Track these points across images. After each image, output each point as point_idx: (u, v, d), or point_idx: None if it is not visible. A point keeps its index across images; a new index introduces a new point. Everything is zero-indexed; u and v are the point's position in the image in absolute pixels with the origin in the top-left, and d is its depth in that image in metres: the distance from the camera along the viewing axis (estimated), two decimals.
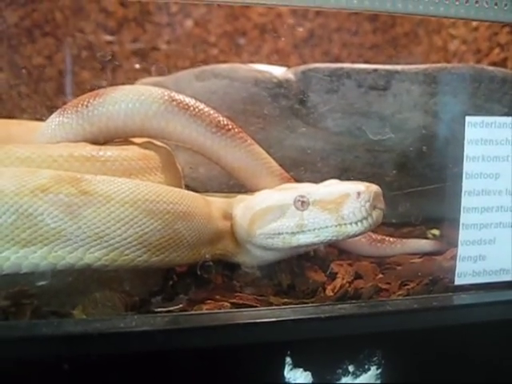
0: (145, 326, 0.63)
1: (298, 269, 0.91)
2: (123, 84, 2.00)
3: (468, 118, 0.75)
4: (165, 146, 0.99)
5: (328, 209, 0.78)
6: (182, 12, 2.31)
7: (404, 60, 2.44)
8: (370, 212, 0.76)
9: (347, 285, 0.86)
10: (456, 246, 0.98)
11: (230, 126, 0.95)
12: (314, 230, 0.79)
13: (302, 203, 0.80)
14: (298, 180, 0.99)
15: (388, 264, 0.94)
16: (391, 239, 1.00)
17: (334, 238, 0.79)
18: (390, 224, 1.06)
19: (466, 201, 0.76)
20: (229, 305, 0.76)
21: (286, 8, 2.46)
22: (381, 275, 0.90)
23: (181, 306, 0.72)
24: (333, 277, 0.89)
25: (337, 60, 2.55)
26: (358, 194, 0.76)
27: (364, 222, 0.76)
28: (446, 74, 1.08)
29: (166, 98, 0.93)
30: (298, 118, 1.08)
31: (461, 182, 0.90)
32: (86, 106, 0.93)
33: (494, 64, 2.12)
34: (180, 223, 0.76)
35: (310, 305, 0.74)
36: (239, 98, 1.09)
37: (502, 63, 2.07)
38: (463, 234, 0.77)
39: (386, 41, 2.69)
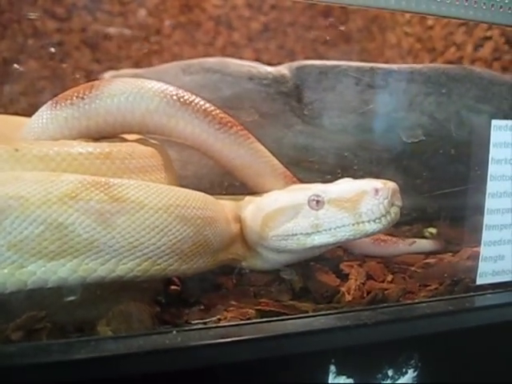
0: (192, 340, 0.60)
1: (307, 271, 0.89)
2: (73, 74, 1.93)
3: (494, 122, 0.75)
4: (158, 143, 0.94)
5: (345, 207, 0.76)
6: (136, 1, 2.25)
7: (357, 56, 2.48)
8: (388, 209, 0.74)
9: (361, 286, 0.85)
10: (456, 244, 1.00)
11: (233, 123, 0.93)
12: (330, 229, 0.77)
13: (317, 202, 0.78)
14: (299, 179, 0.97)
15: (395, 264, 0.94)
16: (394, 239, 1.00)
17: (352, 237, 0.77)
18: None
19: (489, 202, 0.77)
20: (253, 312, 0.74)
21: (242, 0, 2.44)
22: (391, 276, 0.89)
23: (218, 317, 0.68)
24: (344, 278, 0.88)
25: (291, 53, 2.56)
26: (376, 190, 0.74)
27: (383, 219, 0.74)
28: (439, 74, 1.08)
29: (168, 92, 0.88)
30: (295, 115, 1.05)
31: (456, 179, 0.92)
32: (82, 98, 0.87)
33: (449, 63, 2.18)
34: (208, 229, 0.73)
35: (346, 310, 0.72)
36: (232, 94, 1.06)
37: (458, 62, 2.13)
38: (486, 235, 0.78)
39: (339, 36, 2.71)
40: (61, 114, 0.86)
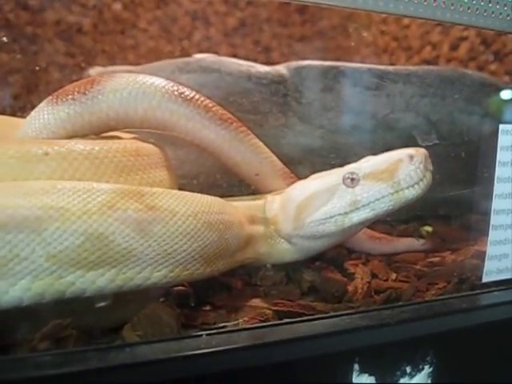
0: (226, 344, 0.60)
1: (314, 270, 0.90)
2: (46, 68, 1.89)
3: (502, 126, 0.78)
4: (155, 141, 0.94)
5: (382, 178, 0.78)
6: None
7: (332, 54, 2.50)
8: (424, 173, 0.77)
9: (367, 285, 0.87)
10: (451, 242, 1.03)
11: (233, 120, 0.94)
12: (369, 203, 0.79)
13: (352, 180, 0.79)
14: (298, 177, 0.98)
15: (397, 262, 0.96)
16: (389, 237, 1.02)
17: (391, 207, 0.78)
18: (384, 221, 1.08)
19: (496, 203, 0.80)
20: (271, 312, 0.75)
21: None
22: (394, 274, 0.91)
23: (244, 319, 0.69)
24: (350, 277, 0.89)
25: (266, 49, 2.57)
26: (411, 157, 0.77)
27: (420, 183, 0.77)
28: (433, 76, 1.11)
29: (170, 88, 0.89)
30: (294, 115, 1.07)
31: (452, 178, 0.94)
32: (84, 94, 0.86)
33: (426, 62, 2.22)
34: (228, 232, 0.74)
35: (367, 309, 0.74)
36: (232, 93, 1.06)
37: (434, 61, 2.17)
38: (492, 235, 0.80)
39: (314, 33, 2.74)
40: (63, 109, 0.85)
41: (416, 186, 0.76)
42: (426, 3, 0.84)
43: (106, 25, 2.23)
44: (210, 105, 0.92)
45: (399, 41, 2.37)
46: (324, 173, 0.87)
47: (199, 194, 0.76)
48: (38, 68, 1.97)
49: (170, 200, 0.67)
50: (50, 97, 0.88)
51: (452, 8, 0.85)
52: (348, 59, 2.30)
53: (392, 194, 0.77)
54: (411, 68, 1.10)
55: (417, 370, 0.70)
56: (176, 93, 0.89)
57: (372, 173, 0.79)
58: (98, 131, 0.88)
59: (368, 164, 0.80)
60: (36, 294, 0.58)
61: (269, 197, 0.91)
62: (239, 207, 0.85)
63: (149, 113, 0.88)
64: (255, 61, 2.29)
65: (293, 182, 0.98)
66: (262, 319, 0.73)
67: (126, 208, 0.62)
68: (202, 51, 2.34)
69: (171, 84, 0.90)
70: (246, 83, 1.08)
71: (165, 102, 0.88)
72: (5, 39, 1.82)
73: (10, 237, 0.56)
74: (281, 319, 0.73)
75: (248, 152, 0.95)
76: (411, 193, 0.77)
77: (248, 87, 1.08)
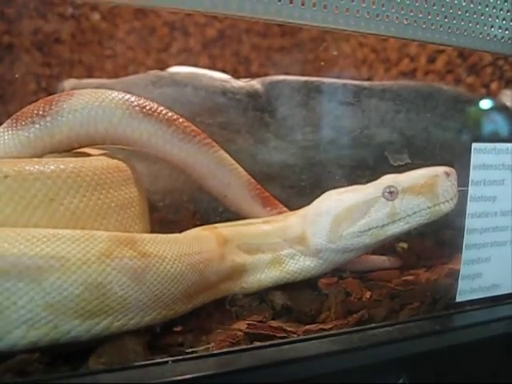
0: (192, 372, 0.59)
1: (287, 289, 0.89)
2: (22, 78, 1.87)
3: (474, 145, 0.77)
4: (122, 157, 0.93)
5: (421, 192, 0.82)
6: (89, 5, 2.21)
7: (311, 65, 2.51)
8: (456, 190, 0.82)
9: (341, 304, 0.86)
10: (426, 259, 1.03)
11: (197, 132, 0.92)
12: (406, 216, 0.83)
13: (391, 193, 0.82)
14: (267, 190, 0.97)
15: (371, 280, 0.95)
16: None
17: (425, 221, 0.83)
18: None
19: (469, 223, 0.79)
20: (242, 334, 0.73)
21: None
22: (368, 292, 0.90)
23: (212, 344, 0.68)
24: (323, 295, 0.88)
25: (245, 61, 2.57)
26: (447, 173, 0.82)
27: (454, 199, 0.82)
28: (409, 92, 1.11)
29: (130, 103, 0.87)
30: (268, 131, 1.06)
31: None
32: (43, 116, 0.84)
33: (403, 74, 2.23)
34: (207, 270, 0.76)
35: (337, 332, 0.73)
36: (205, 108, 1.05)
37: (412, 74, 2.18)
38: (466, 254, 0.80)
39: (293, 45, 2.75)
40: (22, 133, 0.84)
41: (450, 201, 0.82)
42: (397, 22, 0.84)
43: (83, 35, 2.22)
44: (173, 118, 0.90)
45: (378, 53, 2.38)
46: (346, 188, 0.90)
47: (179, 235, 0.78)
48: (13, 78, 1.95)
49: (158, 245, 0.68)
50: (10, 120, 0.86)
51: (423, 26, 0.85)
52: (327, 71, 2.31)
53: (430, 207, 0.82)
54: (386, 83, 1.10)
55: None
56: (137, 108, 0.87)
57: (411, 187, 0.83)
58: (62, 151, 0.86)
59: (406, 178, 0.84)
60: (30, 342, 0.58)
61: (280, 218, 0.92)
62: (233, 239, 0.86)
63: (110, 131, 0.87)
64: (234, 72, 2.29)
65: (259, 193, 0.98)
66: (233, 341, 0.71)
67: (122, 256, 0.63)
68: (180, 62, 2.33)
69: (132, 99, 0.88)
70: (219, 98, 1.07)
71: (125, 118, 0.86)
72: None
73: (9, 284, 0.56)
74: (252, 342, 0.72)
75: (212, 164, 0.94)
76: (446, 207, 0.82)
77: (222, 102, 1.07)
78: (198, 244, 0.76)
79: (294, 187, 1.08)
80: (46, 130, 0.84)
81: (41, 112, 0.85)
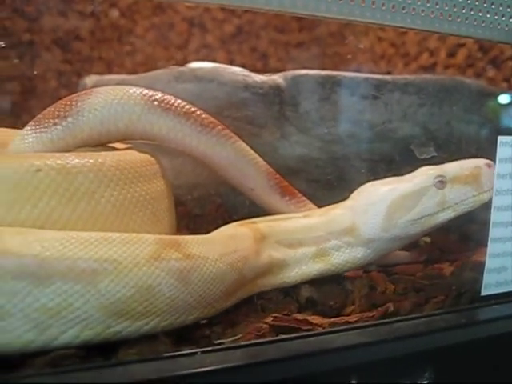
0: (220, 362, 0.60)
1: (311, 283, 0.89)
2: (43, 75, 1.89)
3: (500, 138, 0.77)
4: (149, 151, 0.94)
5: (468, 182, 0.87)
6: (108, 1, 2.22)
7: (329, 60, 2.50)
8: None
9: (366, 297, 0.86)
10: (450, 253, 1.03)
11: (215, 124, 0.93)
12: (454, 205, 0.88)
13: (441, 182, 0.87)
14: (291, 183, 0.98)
15: (395, 274, 0.95)
16: None
17: (469, 209, 0.88)
18: None
19: (495, 216, 0.79)
20: (267, 327, 0.74)
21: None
22: (393, 285, 0.90)
23: (239, 337, 0.68)
24: (349, 289, 0.89)
25: (263, 56, 2.57)
26: (488, 165, 0.87)
27: (492, 189, 0.84)
28: (432, 85, 1.10)
29: (148, 98, 0.88)
30: (291, 125, 1.06)
31: None
32: (65, 117, 0.86)
33: (423, 68, 2.22)
34: (245, 267, 0.77)
35: (364, 325, 0.73)
36: (228, 103, 1.06)
37: (431, 68, 2.17)
38: (491, 248, 0.80)
39: (312, 39, 2.74)
40: (45, 135, 0.85)
41: (491, 191, 0.84)
42: (423, 14, 0.83)
43: (102, 32, 2.23)
44: (191, 111, 0.91)
45: (397, 47, 2.37)
46: (392, 179, 0.93)
47: (216, 234, 0.80)
48: (35, 75, 1.97)
49: (200, 246, 0.69)
50: (32, 122, 0.88)
51: (449, 19, 0.85)
52: (345, 66, 2.31)
53: (474, 196, 0.87)
54: (409, 77, 1.10)
55: None
56: (155, 103, 0.88)
57: (458, 176, 0.88)
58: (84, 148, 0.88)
59: (452, 169, 0.88)
60: (83, 341, 0.60)
61: (320, 212, 0.94)
62: (272, 234, 0.87)
63: (130, 127, 0.88)
64: (252, 67, 2.29)
65: (277, 182, 0.98)
66: (259, 334, 0.72)
67: (169, 258, 0.64)
68: (199, 58, 2.34)
69: (150, 94, 0.89)
70: (242, 93, 1.08)
71: (144, 114, 0.88)
72: (2, 44, 1.81)
73: (67, 287, 0.58)
74: (277, 334, 0.72)
75: (231, 155, 0.94)
76: (488, 196, 0.86)
77: (244, 97, 1.07)
78: (235, 242, 0.77)
79: (318, 181, 1.09)
80: (68, 131, 0.86)
81: (62, 113, 0.86)
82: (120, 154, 0.79)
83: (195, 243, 0.69)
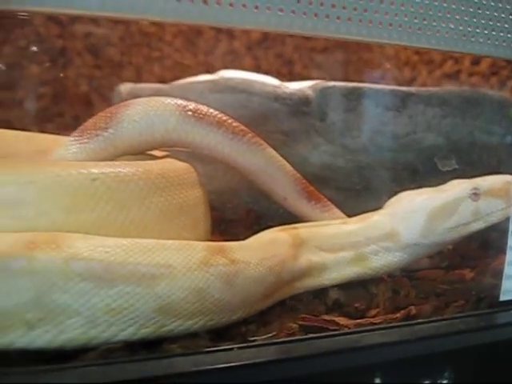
0: (255, 357, 0.65)
1: (338, 286, 0.94)
2: (75, 80, 1.94)
3: None
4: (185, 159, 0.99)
5: (499, 195, 0.94)
6: None
7: (353, 66, 2.53)
8: None
9: (389, 301, 0.91)
10: (470, 259, 1.07)
11: (245, 132, 0.98)
12: (485, 216, 0.94)
13: (476, 195, 0.94)
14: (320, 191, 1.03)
15: (417, 279, 1.00)
16: None
17: (497, 221, 0.95)
18: None
19: None
20: (297, 326, 0.79)
21: None
22: (415, 290, 0.95)
23: (272, 334, 0.74)
24: (373, 293, 0.93)
25: (288, 62, 2.61)
26: None
27: None
28: (454, 97, 1.14)
29: (182, 108, 0.94)
30: (319, 135, 1.11)
31: None
32: (106, 129, 0.92)
33: (447, 76, 2.24)
34: (283, 270, 0.83)
35: (387, 326, 0.78)
36: (259, 113, 1.11)
37: (455, 76, 2.19)
38: (510, 256, 0.84)
39: (336, 46, 2.76)
40: (88, 146, 0.91)
41: None
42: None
43: (132, 38, 2.28)
44: (223, 119, 0.97)
45: (421, 54, 2.38)
46: (426, 189, 1.00)
47: (255, 240, 0.86)
48: (66, 80, 2.03)
49: (243, 252, 0.76)
50: (76, 133, 0.94)
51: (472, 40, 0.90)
52: (369, 72, 2.34)
53: (503, 209, 0.94)
54: (432, 89, 1.14)
55: None
56: (189, 113, 0.94)
57: (491, 190, 0.94)
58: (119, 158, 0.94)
59: (485, 182, 0.95)
60: (139, 338, 0.66)
61: (358, 219, 0.99)
62: (312, 239, 0.92)
63: (166, 137, 0.94)
64: (277, 73, 2.33)
65: (304, 187, 1.04)
66: (289, 333, 0.77)
67: (217, 264, 0.71)
68: (225, 64, 2.39)
69: (184, 104, 0.95)
70: (272, 104, 1.13)
71: (179, 124, 0.93)
72: (35, 49, 1.87)
73: (129, 289, 0.64)
74: (306, 334, 0.77)
75: (261, 162, 1.00)
76: None
77: (274, 108, 1.13)
78: (274, 247, 0.83)
79: (345, 189, 1.14)
80: (109, 141, 0.92)
81: (103, 124, 0.92)
82: (164, 163, 0.85)
83: (238, 249, 0.76)
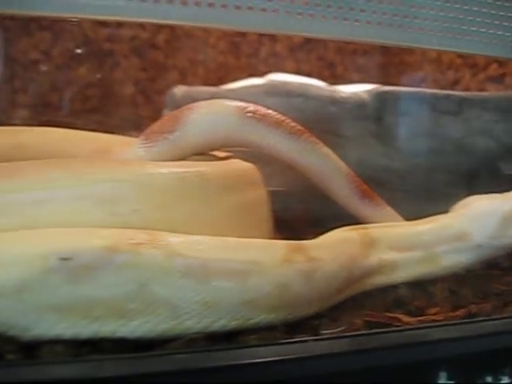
0: (329, 349, 0.69)
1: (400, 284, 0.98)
2: (121, 82, 1.99)
3: None
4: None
5: None
6: None
7: (395, 69, 2.54)
8: None
9: (447, 299, 0.93)
10: None
11: (302, 131, 1.01)
12: None
13: None
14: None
15: (475, 278, 1.03)
16: None
17: None
18: None
19: None
20: (361, 322, 0.82)
21: None
22: (473, 289, 0.98)
23: (342, 328, 0.78)
24: (432, 291, 0.96)
25: (330, 65, 2.63)
26: None
27: None
28: (508, 102, 1.17)
29: (242, 109, 0.97)
30: (375, 138, 1.14)
31: None
32: (172, 132, 0.96)
33: (491, 79, 2.24)
34: (354, 267, 0.86)
35: (451, 322, 0.81)
36: (316, 117, 1.15)
37: (500, 79, 2.19)
38: None
39: (377, 48, 2.78)
40: (155, 149, 0.95)
41: None
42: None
43: (177, 41, 2.33)
44: (281, 119, 1.00)
45: (464, 57, 2.38)
46: (496, 195, 1.02)
47: (328, 238, 0.88)
48: (113, 81, 2.09)
49: (318, 250, 0.79)
50: (142, 137, 0.98)
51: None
52: (411, 75, 2.35)
53: None
54: (486, 94, 1.17)
55: (496, 380, 0.77)
56: (250, 114, 0.98)
57: None
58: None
59: None
60: (229, 329, 0.70)
61: (429, 220, 1.02)
62: (382, 238, 0.95)
63: (228, 138, 0.98)
64: (319, 76, 2.35)
65: (357, 185, 1.07)
66: (355, 328, 0.81)
67: (297, 261, 0.74)
68: (268, 66, 2.42)
69: (244, 106, 0.98)
70: (329, 107, 1.16)
71: (241, 125, 0.97)
72: (79, 51, 1.93)
73: (223, 284, 0.69)
74: (371, 329, 0.81)
75: (316, 160, 1.03)
76: None
77: (331, 111, 1.16)
78: (345, 245, 0.86)
79: (400, 191, 1.17)
80: (175, 143, 0.96)
81: (170, 128, 0.97)
82: (235, 163, 0.91)
83: (314, 247, 0.79)
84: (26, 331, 0.64)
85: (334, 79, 2.57)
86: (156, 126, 1.01)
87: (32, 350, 0.64)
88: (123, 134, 1.22)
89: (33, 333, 0.64)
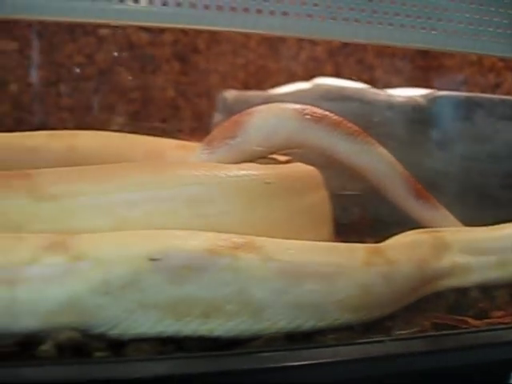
0: (404, 349, 0.71)
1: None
2: (162, 86, 2.01)
3: None
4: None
5: None
6: None
7: (435, 72, 2.53)
8: None
9: (509, 303, 0.94)
10: None
11: (359, 132, 1.03)
12: None
13: None
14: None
15: None
16: None
17: None
18: None
19: None
20: (429, 324, 0.84)
21: None
22: None
23: (415, 330, 0.80)
24: (492, 296, 0.98)
25: (369, 68, 2.63)
26: None
27: None
28: None
29: (300, 112, 0.99)
30: (431, 142, 1.16)
31: None
32: (233, 137, 0.98)
33: None
34: (428, 269, 0.89)
35: None
36: (372, 121, 1.16)
37: None
38: None
39: (418, 51, 2.77)
40: (218, 154, 0.98)
41: None
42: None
43: (218, 45, 2.36)
44: (338, 121, 1.02)
45: (506, 61, 2.37)
46: None
47: (399, 240, 0.90)
48: (155, 85, 2.12)
49: (393, 252, 0.82)
50: (205, 143, 1.01)
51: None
52: (451, 78, 2.34)
53: None
54: None
55: None
56: (307, 117, 0.99)
57: None
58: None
59: None
60: (317, 329, 0.73)
61: (503, 227, 1.02)
62: (456, 242, 0.96)
63: (288, 141, 1.00)
64: (359, 79, 2.36)
65: (412, 185, 1.08)
66: (423, 330, 0.83)
67: (377, 263, 0.77)
68: (308, 70, 2.44)
69: (302, 108, 1.00)
70: (385, 112, 1.18)
71: (300, 127, 0.99)
72: (115, 54, 1.97)
73: (313, 287, 0.71)
74: (438, 331, 0.83)
75: (374, 160, 1.05)
76: None
77: (387, 115, 1.18)
78: (418, 247, 0.88)
79: (457, 194, 1.18)
80: (237, 148, 0.98)
81: (231, 133, 0.99)
82: (299, 166, 0.93)
83: (389, 249, 0.82)
84: (128, 329, 0.66)
85: (374, 83, 2.57)
86: (217, 132, 1.04)
87: (119, 347, 0.67)
88: (166, 137, 1.25)
89: (136, 331, 0.67)
